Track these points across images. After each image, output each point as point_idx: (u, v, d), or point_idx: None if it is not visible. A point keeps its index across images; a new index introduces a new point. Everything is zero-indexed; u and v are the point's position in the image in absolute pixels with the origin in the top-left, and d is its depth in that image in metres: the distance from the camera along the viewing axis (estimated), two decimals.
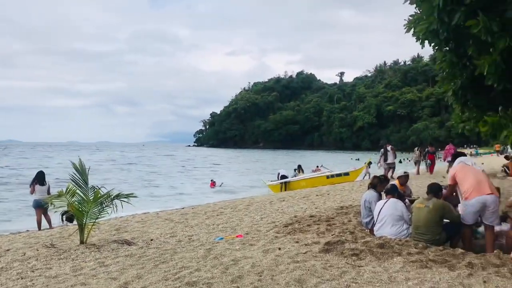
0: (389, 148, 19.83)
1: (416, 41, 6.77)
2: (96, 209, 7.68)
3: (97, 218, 7.73)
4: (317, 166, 27.53)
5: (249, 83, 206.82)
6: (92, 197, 7.75)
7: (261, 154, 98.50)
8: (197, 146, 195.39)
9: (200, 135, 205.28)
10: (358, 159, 61.43)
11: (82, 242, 7.55)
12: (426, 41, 6.68)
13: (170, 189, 27.03)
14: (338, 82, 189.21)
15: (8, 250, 7.49)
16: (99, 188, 7.99)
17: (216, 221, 9.71)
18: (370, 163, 25.22)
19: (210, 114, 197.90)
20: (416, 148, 23.56)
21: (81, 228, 7.60)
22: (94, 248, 7.02)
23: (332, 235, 6.84)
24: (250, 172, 42.10)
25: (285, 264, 5.41)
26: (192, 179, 35.02)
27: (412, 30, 6.68)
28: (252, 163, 60.96)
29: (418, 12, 6.63)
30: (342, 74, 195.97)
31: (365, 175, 22.06)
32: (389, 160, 19.60)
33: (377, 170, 21.24)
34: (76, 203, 7.66)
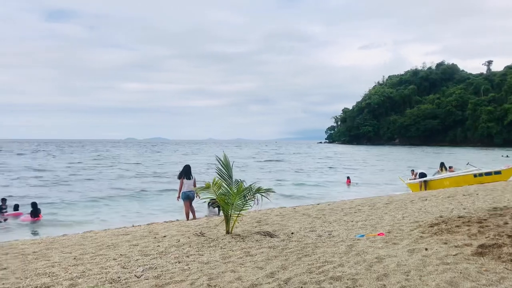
0: None
1: None
2: (240, 202, 8.10)
3: (241, 210, 8.15)
4: (450, 167, 24.93)
5: (384, 76, 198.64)
6: (236, 190, 8.20)
7: (397, 150, 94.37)
8: (329, 142, 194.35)
9: (332, 132, 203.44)
10: (508, 156, 55.39)
11: (228, 232, 8.04)
12: None
13: (305, 185, 27.35)
14: (485, 72, 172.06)
15: (164, 236, 8.30)
16: (242, 182, 8.42)
17: (354, 218, 9.58)
18: None
19: (342, 110, 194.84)
20: None
21: (227, 219, 8.10)
22: (239, 238, 7.43)
23: (486, 237, 6.28)
24: (386, 169, 40.62)
25: (434, 265, 5.13)
26: (327, 175, 35.02)
27: None
28: (388, 160, 58.66)
29: None
30: (489, 63, 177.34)
31: None
32: None
33: None
34: (222, 195, 8.17)
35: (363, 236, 7.31)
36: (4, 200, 16.20)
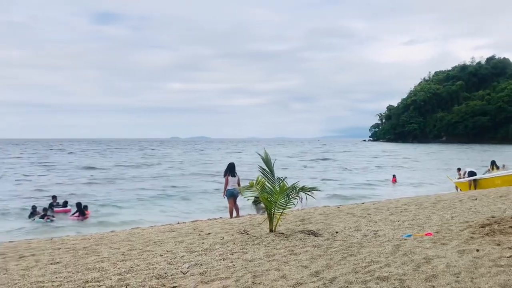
0: None
1: None
2: (282, 200, 8.06)
3: (284, 209, 8.11)
4: (498, 166, 23.36)
5: (430, 72, 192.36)
6: (278, 189, 8.17)
7: (445, 148, 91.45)
8: (373, 140, 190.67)
9: (376, 129, 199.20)
10: None
11: (271, 230, 8.04)
12: None
13: (350, 183, 26.99)
14: None
15: (209, 233, 8.40)
16: (284, 180, 8.38)
17: (400, 218, 9.34)
18: None
19: (387, 107, 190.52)
20: None
21: (270, 217, 8.09)
22: (283, 237, 7.41)
23: None
24: (434, 168, 39.44)
25: (486, 267, 4.92)
26: (372, 174, 34.42)
27: None
28: (437, 158, 56.90)
29: None
30: None
31: None
32: None
33: None
34: (266, 194, 8.16)
35: (410, 236, 7.12)
36: (54, 197, 16.92)
